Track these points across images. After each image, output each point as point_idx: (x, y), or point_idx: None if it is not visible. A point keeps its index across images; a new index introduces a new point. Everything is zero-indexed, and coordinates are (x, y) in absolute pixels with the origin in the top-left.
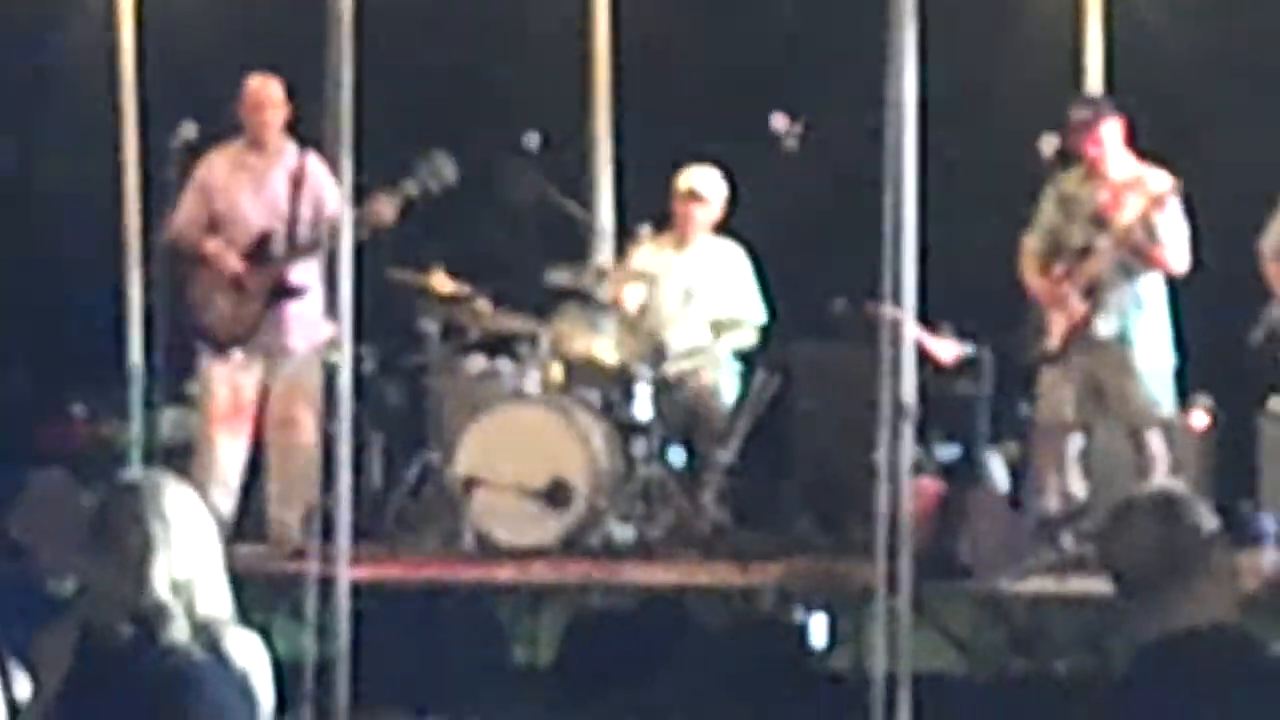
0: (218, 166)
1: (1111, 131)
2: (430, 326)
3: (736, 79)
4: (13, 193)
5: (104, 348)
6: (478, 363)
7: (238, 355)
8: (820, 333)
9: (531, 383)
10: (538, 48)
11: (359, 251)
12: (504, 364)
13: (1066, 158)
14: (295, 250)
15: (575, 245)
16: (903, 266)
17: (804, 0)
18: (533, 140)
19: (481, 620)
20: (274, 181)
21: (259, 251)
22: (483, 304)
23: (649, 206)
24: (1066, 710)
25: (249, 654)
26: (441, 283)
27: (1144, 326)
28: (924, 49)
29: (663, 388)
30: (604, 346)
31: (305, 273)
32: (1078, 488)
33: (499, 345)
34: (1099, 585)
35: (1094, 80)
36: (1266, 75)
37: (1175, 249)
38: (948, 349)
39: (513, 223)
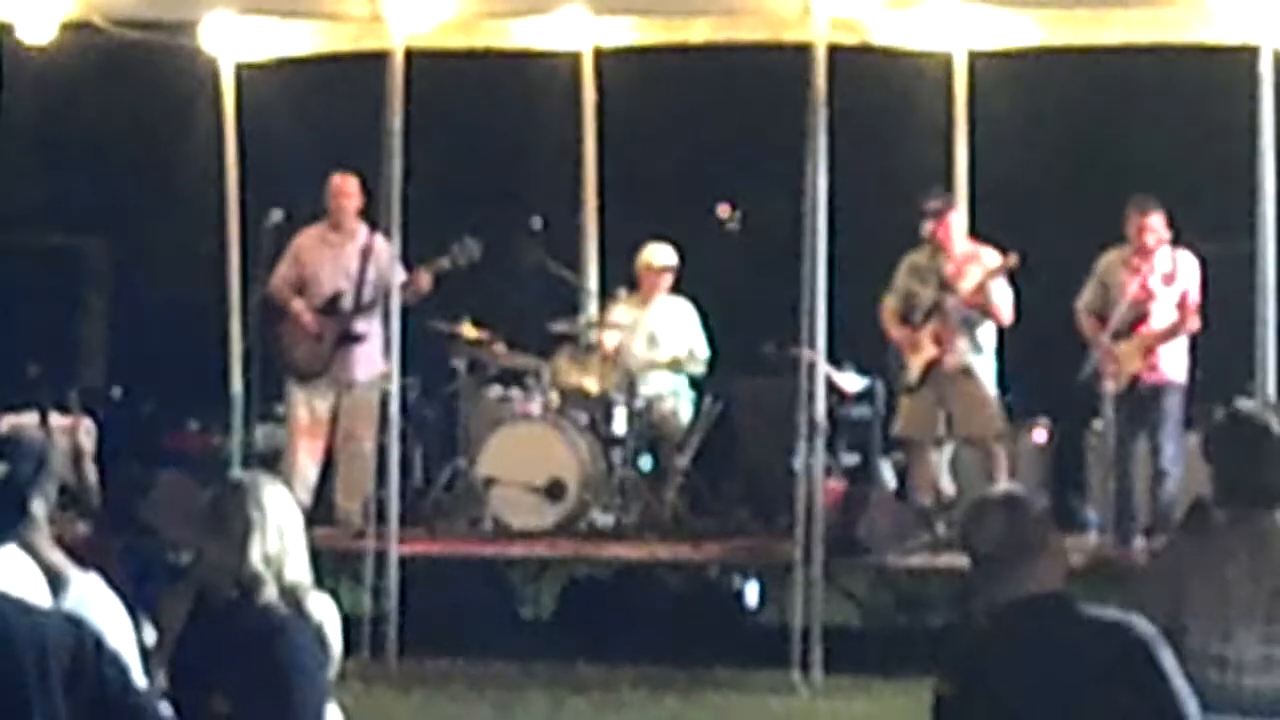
0: (307, 241)
1: (957, 219)
2: (460, 363)
3: (691, 178)
4: (143, 262)
5: (212, 378)
6: (495, 391)
7: (315, 385)
8: (753, 369)
9: (536, 406)
10: (541, 156)
11: (406, 308)
12: (515, 392)
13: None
14: (359, 308)
15: (569, 303)
16: (816, 320)
17: (743, 119)
18: (537, 224)
19: (498, 585)
20: (348, 254)
21: (331, 307)
22: (499, 347)
23: (623, 274)
24: (939, 655)
25: (323, 611)
26: (468, 330)
27: (981, 364)
28: (833, 157)
29: (634, 410)
30: (590, 379)
31: (367, 323)
32: (947, 487)
33: (511, 377)
34: (965, 561)
35: (960, 182)
36: (1087, 181)
37: (1004, 307)
38: (850, 382)
39: (522, 285)
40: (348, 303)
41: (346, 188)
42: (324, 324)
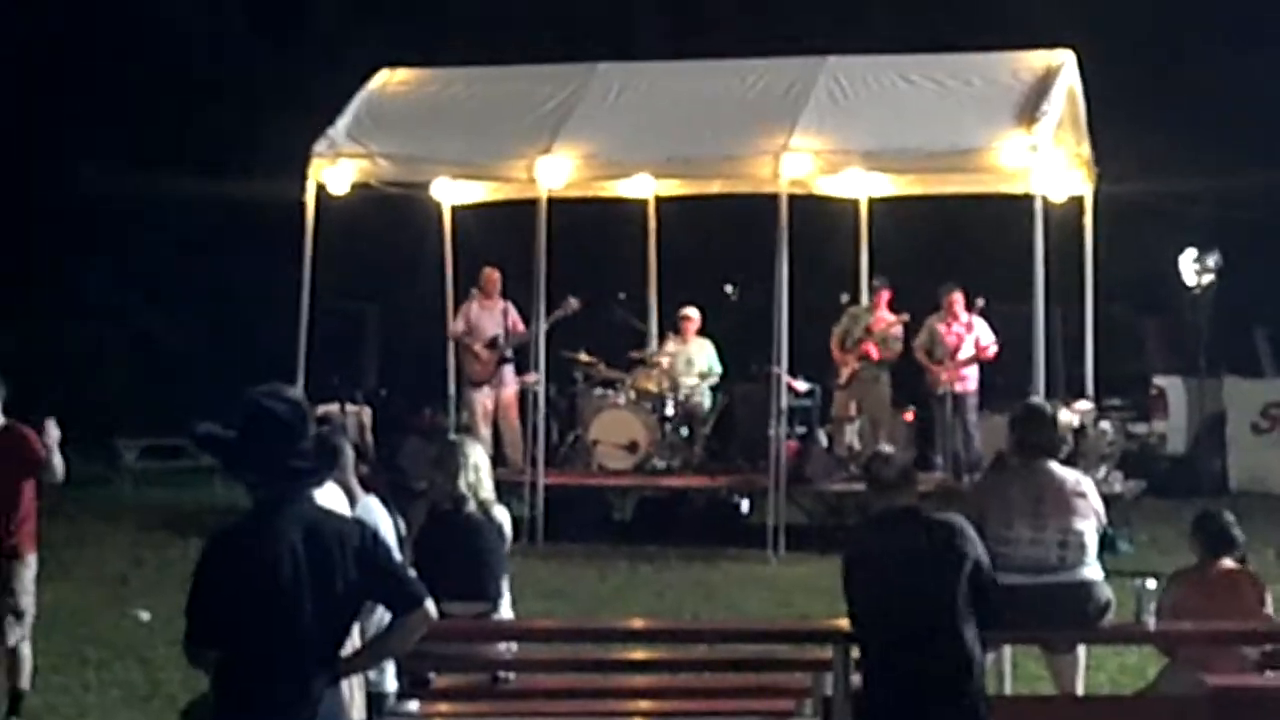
0: (473, 305)
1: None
2: (579, 375)
3: (710, 270)
4: (398, 317)
5: (438, 384)
6: (599, 391)
7: (484, 389)
8: (747, 378)
9: (622, 400)
10: (625, 257)
11: (549, 342)
12: (610, 391)
13: (852, 301)
14: (506, 343)
15: (640, 341)
16: (781, 350)
17: (739, 237)
18: (621, 295)
19: (600, 501)
20: (496, 312)
21: (493, 344)
22: (602, 366)
23: (672, 325)
24: (847, 541)
25: (502, 517)
26: (584, 357)
27: (883, 376)
28: (791, 259)
29: (678, 402)
30: (653, 385)
31: (510, 352)
32: (857, 445)
33: (608, 383)
34: (865, 487)
35: (863, 264)
36: (936, 272)
37: (899, 344)
38: (801, 385)
39: (613, 331)
40: (501, 342)
41: (493, 275)
42: (490, 355)
